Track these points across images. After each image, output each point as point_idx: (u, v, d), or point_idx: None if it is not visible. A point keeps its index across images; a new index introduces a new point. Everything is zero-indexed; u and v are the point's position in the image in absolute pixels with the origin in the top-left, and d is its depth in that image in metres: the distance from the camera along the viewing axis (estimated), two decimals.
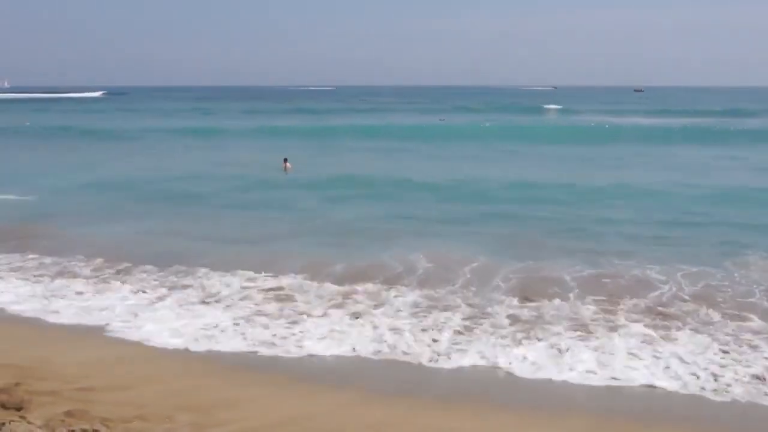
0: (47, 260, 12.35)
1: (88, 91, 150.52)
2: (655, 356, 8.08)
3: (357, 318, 9.37)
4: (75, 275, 11.47)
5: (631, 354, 8.14)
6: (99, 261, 12.24)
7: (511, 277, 11.22)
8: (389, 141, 36.07)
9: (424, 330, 8.92)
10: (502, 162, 28.11)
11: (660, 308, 9.76)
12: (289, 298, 10.23)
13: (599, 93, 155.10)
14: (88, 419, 5.86)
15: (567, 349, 8.26)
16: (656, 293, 10.44)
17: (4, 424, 5.53)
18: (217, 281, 11.01)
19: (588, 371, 7.71)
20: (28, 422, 5.66)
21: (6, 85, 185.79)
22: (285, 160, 26.02)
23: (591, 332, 8.82)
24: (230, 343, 8.48)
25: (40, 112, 65.95)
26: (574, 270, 11.57)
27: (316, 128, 43.96)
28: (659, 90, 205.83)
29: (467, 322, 9.20)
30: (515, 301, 10.08)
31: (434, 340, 8.60)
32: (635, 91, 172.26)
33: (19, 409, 6.00)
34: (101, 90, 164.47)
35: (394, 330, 8.90)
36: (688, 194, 19.28)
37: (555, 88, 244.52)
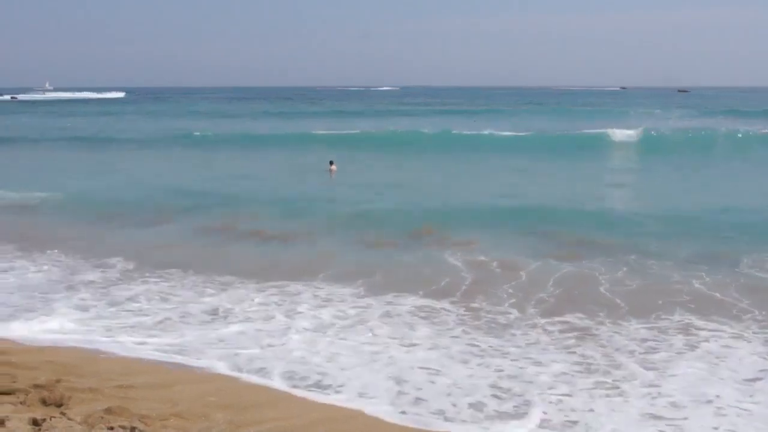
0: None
1: (114, 92, 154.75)
2: None
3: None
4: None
5: None
6: (130, 263, 12.38)
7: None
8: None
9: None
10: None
11: None
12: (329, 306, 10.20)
13: (668, 94, 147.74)
14: (127, 416, 5.91)
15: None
16: None
17: (45, 420, 5.60)
18: (252, 289, 10.94)
19: None
20: (68, 419, 5.73)
21: (48, 86, 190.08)
22: (331, 163, 25.35)
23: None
24: (266, 347, 8.47)
25: (80, 116, 66.22)
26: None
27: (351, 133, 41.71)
28: (704, 90, 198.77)
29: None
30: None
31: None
32: (679, 91, 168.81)
33: (59, 406, 6.08)
34: (123, 90, 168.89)
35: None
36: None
37: (624, 88, 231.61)
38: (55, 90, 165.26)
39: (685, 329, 8.98)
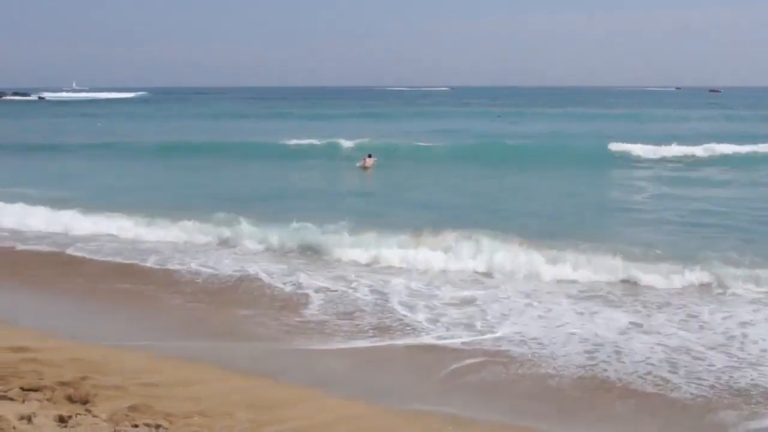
0: None
1: (137, 92, 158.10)
2: None
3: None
4: None
5: None
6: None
7: None
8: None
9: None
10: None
11: None
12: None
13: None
14: (152, 414, 5.96)
15: None
16: None
17: (71, 416, 5.65)
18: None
19: None
20: (94, 416, 5.78)
21: (75, 86, 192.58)
22: (368, 157, 23.13)
23: None
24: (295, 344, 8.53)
25: (104, 117, 64.57)
26: None
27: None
28: (735, 90, 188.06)
29: None
30: None
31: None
32: (710, 91, 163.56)
33: (84, 403, 6.13)
34: (144, 90, 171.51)
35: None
36: None
37: (678, 89, 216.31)
38: (81, 91, 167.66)
39: None
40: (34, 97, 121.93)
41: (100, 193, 19.52)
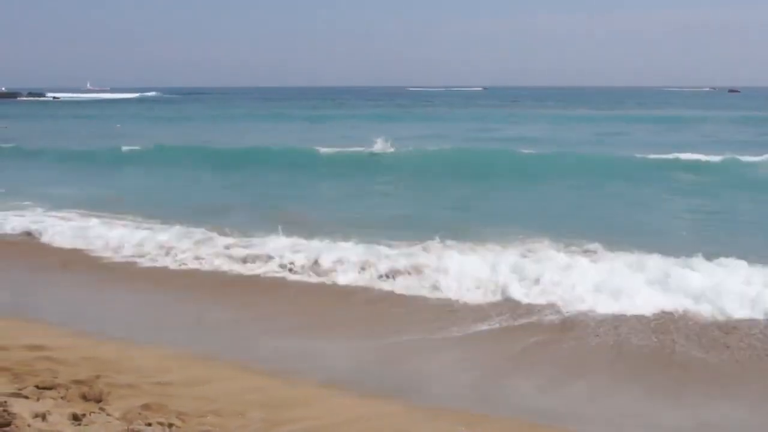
0: None
1: (141, 92, 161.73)
2: None
3: None
4: None
5: None
6: None
7: None
8: None
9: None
10: None
11: None
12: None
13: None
14: (165, 413, 5.96)
15: None
16: None
17: (84, 415, 5.68)
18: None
19: None
20: (107, 414, 5.79)
21: (89, 86, 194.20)
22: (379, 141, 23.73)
23: None
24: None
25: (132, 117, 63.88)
26: None
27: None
28: (754, 91, 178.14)
29: None
30: None
31: None
32: (729, 91, 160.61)
33: (98, 401, 6.15)
34: (156, 90, 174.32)
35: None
36: None
37: (714, 88, 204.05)
38: (102, 91, 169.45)
39: None
40: (48, 98, 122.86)
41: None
